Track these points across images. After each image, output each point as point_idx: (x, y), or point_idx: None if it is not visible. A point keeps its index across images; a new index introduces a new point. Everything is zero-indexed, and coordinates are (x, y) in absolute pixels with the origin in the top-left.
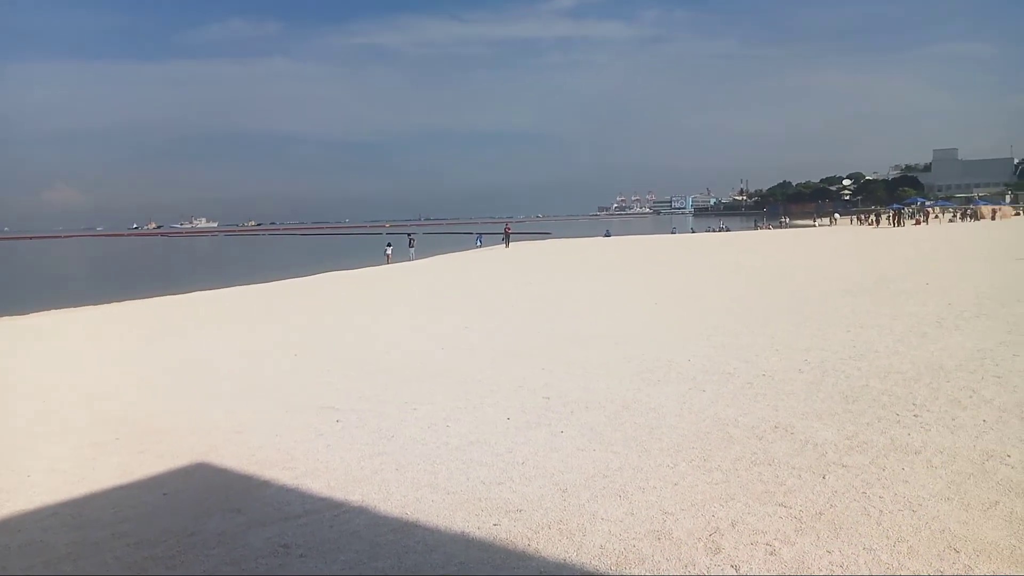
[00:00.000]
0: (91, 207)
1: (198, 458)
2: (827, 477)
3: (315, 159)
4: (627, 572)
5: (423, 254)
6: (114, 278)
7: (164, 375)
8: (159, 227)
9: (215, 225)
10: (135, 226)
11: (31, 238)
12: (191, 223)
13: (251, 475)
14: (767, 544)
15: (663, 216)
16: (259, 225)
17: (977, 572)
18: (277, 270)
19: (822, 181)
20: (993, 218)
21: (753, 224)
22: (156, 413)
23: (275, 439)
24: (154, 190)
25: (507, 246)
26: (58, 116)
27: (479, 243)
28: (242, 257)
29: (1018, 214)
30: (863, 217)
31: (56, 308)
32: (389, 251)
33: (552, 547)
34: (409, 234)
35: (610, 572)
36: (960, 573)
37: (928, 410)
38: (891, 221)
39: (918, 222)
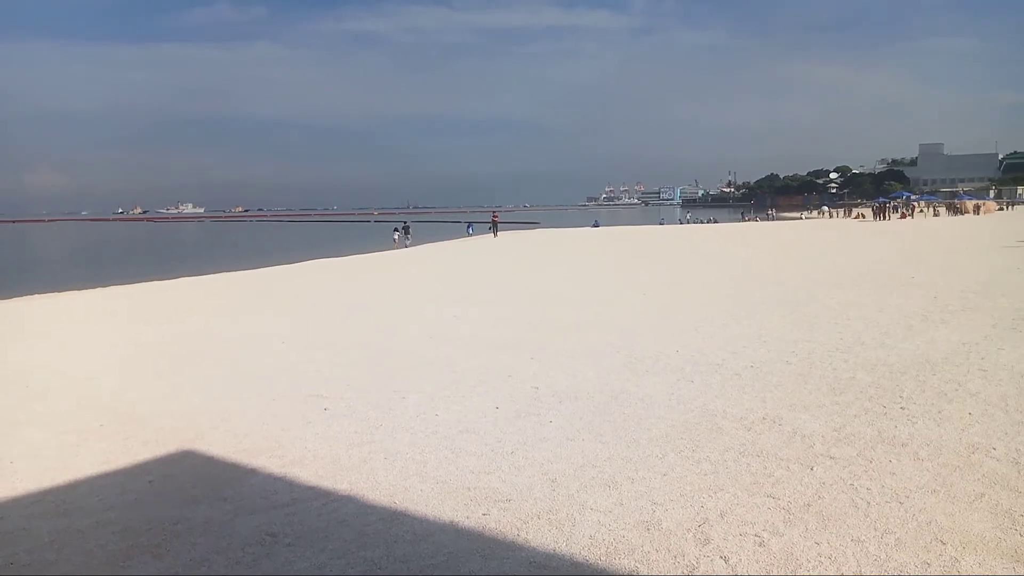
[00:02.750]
0: (75, 191)
1: (184, 445)
2: (815, 469)
3: (301, 145)
4: (617, 562)
5: (414, 241)
6: (100, 263)
7: (150, 361)
8: (145, 212)
9: (201, 211)
10: (120, 211)
11: (14, 222)
12: (177, 208)
13: (238, 463)
14: (756, 535)
15: (651, 207)
16: (246, 211)
17: (963, 564)
18: (264, 257)
19: (809, 174)
20: (977, 212)
21: (740, 216)
22: (141, 399)
23: (262, 427)
24: (139, 174)
25: (495, 235)
26: (40, 97)
27: (469, 231)
28: (230, 243)
29: (1001, 209)
30: (848, 211)
31: (40, 293)
32: (396, 236)
33: (542, 537)
34: (404, 223)
35: (600, 563)
36: (947, 565)
37: (915, 403)
38: (876, 215)
39: (904, 216)
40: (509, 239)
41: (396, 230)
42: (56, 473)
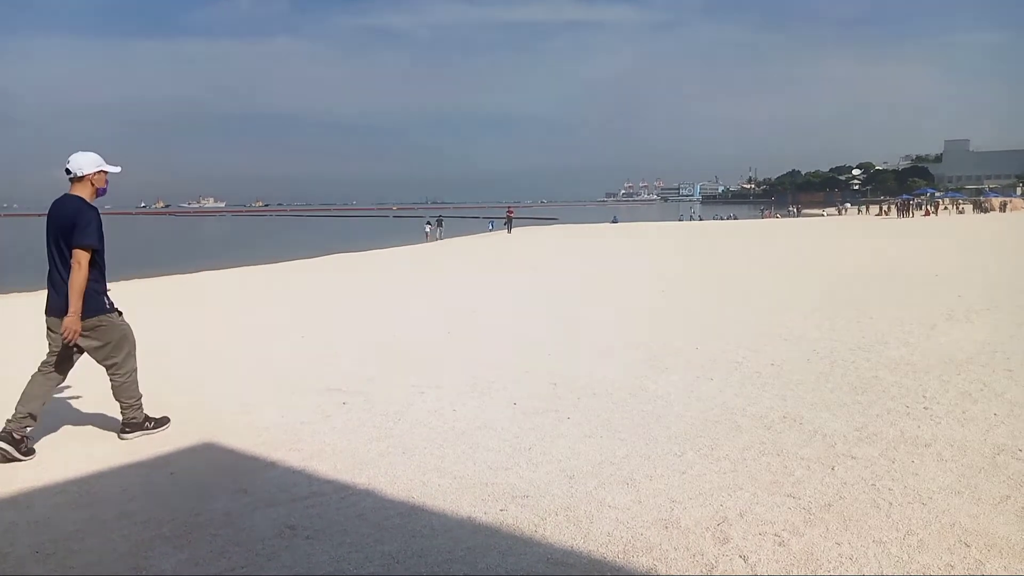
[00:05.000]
0: None
1: (205, 438)
2: (836, 468)
3: (320, 140)
4: (634, 560)
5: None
6: (123, 257)
7: (171, 354)
8: (167, 206)
9: (222, 205)
10: (143, 205)
11: (40, 215)
12: (199, 203)
13: (257, 456)
14: (776, 535)
15: (671, 203)
16: (266, 206)
17: (988, 567)
18: (285, 251)
19: (831, 170)
20: (1003, 210)
21: (760, 212)
22: (162, 392)
23: (282, 420)
24: (161, 169)
25: (509, 231)
26: (67, 93)
27: (491, 227)
28: (250, 238)
29: None
30: (885, 207)
31: None
32: (428, 230)
33: (559, 533)
34: (438, 216)
35: (617, 560)
36: (971, 567)
37: (938, 403)
38: (898, 212)
39: (928, 213)
40: (528, 235)
41: (428, 223)
42: (80, 463)
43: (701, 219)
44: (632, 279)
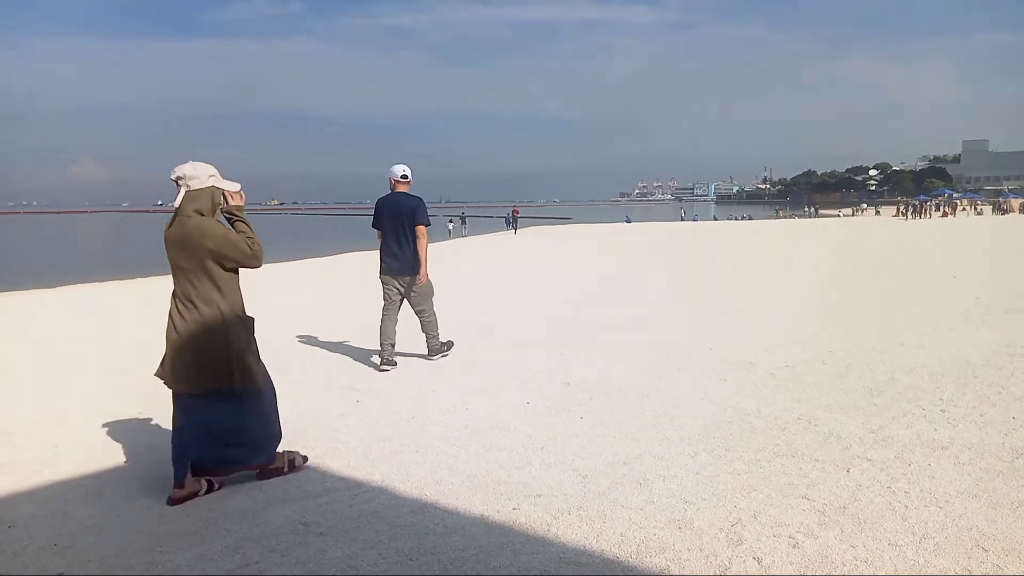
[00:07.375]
0: (115, 182)
1: None
2: (851, 471)
3: (335, 139)
4: (647, 560)
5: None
6: (143, 253)
7: None
8: None
9: None
10: (160, 203)
11: (59, 212)
12: None
13: None
14: (790, 537)
15: (685, 203)
16: (281, 204)
17: (1006, 571)
18: (301, 250)
19: (848, 171)
20: (1022, 212)
21: (774, 212)
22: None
23: (295, 417)
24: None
25: (515, 232)
26: (84, 92)
27: (507, 224)
28: (267, 236)
29: None
30: (883, 208)
31: (83, 282)
32: (451, 227)
33: (572, 533)
34: (462, 214)
35: (630, 560)
36: (989, 571)
37: (956, 406)
38: (913, 213)
39: (945, 214)
40: (541, 234)
41: (451, 221)
42: (97, 458)
43: (716, 219)
44: (643, 278)
